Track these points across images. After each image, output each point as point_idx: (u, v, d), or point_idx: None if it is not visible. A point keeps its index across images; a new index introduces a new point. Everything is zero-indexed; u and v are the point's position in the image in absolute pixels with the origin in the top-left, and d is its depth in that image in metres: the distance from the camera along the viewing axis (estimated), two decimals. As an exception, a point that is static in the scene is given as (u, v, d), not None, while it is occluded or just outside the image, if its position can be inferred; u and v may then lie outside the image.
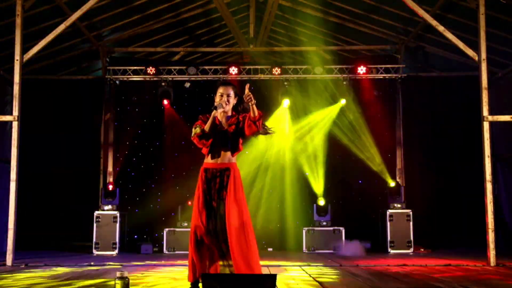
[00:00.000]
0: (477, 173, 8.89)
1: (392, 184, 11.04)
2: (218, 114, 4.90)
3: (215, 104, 4.84)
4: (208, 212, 4.77)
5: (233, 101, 4.92)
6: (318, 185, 11.62)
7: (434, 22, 8.39)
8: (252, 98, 4.58)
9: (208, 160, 4.88)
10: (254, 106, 4.61)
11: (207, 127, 4.79)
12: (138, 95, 11.83)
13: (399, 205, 10.78)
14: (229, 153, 4.85)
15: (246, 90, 4.63)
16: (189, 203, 10.94)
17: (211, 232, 4.71)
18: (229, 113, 4.94)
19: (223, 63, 12.19)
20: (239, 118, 4.89)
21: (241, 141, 4.92)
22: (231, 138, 4.83)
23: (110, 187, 10.90)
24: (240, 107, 4.98)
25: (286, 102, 11.68)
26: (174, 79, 11.59)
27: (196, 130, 4.79)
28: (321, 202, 11.15)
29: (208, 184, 4.83)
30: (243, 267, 4.62)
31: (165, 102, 11.51)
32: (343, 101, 11.65)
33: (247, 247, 4.66)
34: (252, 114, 4.66)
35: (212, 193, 4.81)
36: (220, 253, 4.72)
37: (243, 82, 11.70)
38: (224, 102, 4.86)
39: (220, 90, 4.92)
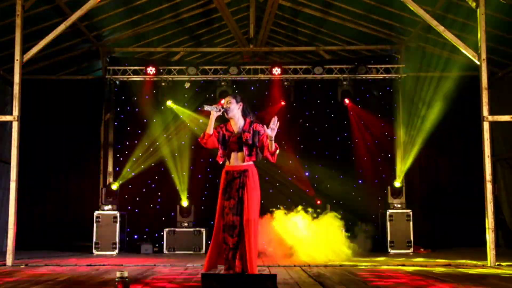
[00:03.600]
0: (477, 173, 8.89)
1: (392, 184, 11.04)
2: (231, 121, 5.51)
3: (204, 105, 5.44)
4: (228, 209, 5.34)
5: (236, 106, 5.47)
6: (319, 185, 11.65)
7: (434, 22, 8.39)
8: (273, 133, 5.22)
9: (229, 163, 5.50)
10: (272, 141, 5.27)
11: (208, 128, 5.41)
12: (138, 95, 11.82)
13: (399, 205, 10.78)
14: (245, 157, 5.41)
15: (273, 124, 5.22)
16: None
17: (230, 227, 5.28)
18: (240, 119, 5.51)
19: (223, 63, 12.19)
20: (253, 127, 5.45)
21: (255, 151, 5.44)
22: (246, 144, 5.42)
23: (111, 187, 10.90)
24: (249, 114, 5.57)
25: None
26: (174, 79, 11.59)
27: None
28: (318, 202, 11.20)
29: (229, 185, 5.40)
30: (248, 260, 5.18)
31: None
32: (345, 101, 11.64)
33: (254, 241, 5.27)
34: (270, 148, 5.33)
35: (232, 192, 5.36)
36: (233, 244, 5.25)
37: (243, 82, 11.73)
38: (218, 105, 5.48)
39: (224, 100, 5.58)
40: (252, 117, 5.61)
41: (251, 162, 5.46)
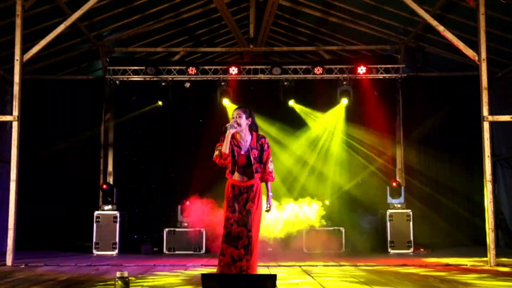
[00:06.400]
0: (477, 173, 8.89)
1: (392, 184, 11.04)
2: (237, 135, 5.44)
3: (227, 125, 5.35)
4: (233, 220, 5.35)
5: (245, 121, 5.44)
6: (319, 185, 11.64)
7: (434, 22, 8.39)
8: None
9: (234, 177, 5.46)
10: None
11: (224, 147, 5.31)
12: (138, 95, 11.82)
13: (399, 205, 10.78)
14: (254, 174, 5.41)
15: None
16: (187, 203, 10.97)
17: (234, 238, 5.28)
18: (247, 134, 5.48)
19: (223, 63, 12.18)
20: (261, 143, 5.48)
21: (262, 168, 5.49)
22: (254, 162, 5.42)
23: (109, 186, 10.90)
24: (254, 127, 5.55)
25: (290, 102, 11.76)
26: (174, 79, 11.59)
27: (216, 153, 5.37)
28: (326, 202, 11.21)
29: (236, 199, 5.42)
30: (253, 269, 5.26)
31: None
32: (344, 101, 11.62)
33: (256, 252, 5.35)
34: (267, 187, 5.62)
35: (239, 205, 5.38)
36: (237, 257, 5.23)
37: (243, 82, 11.74)
38: (235, 122, 5.37)
39: (233, 113, 5.49)
40: (257, 129, 5.58)
41: (257, 177, 5.47)
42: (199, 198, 10.68)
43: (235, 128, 5.34)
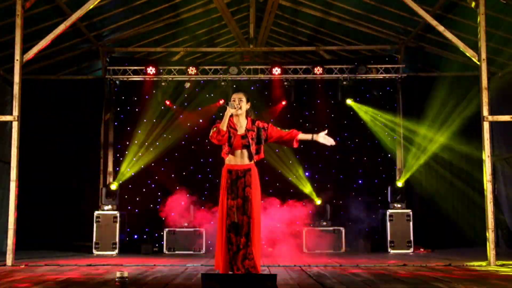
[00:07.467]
0: (477, 173, 8.89)
1: (392, 184, 11.04)
2: (234, 118, 5.51)
3: (228, 103, 5.45)
4: (235, 208, 5.38)
5: (245, 105, 5.53)
6: (319, 185, 11.63)
7: (434, 22, 8.39)
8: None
9: (230, 161, 5.49)
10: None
11: (222, 124, 5.38)
12: (138, 95, 11.83)
13: (399, 205, 10.78)
14: (254, 156, 5.46)
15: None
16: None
17: (237, 226, 5.32)
18: (244, 118, 5.58)
19: (223, 63, 12.19)
20: (257, 124, 5.54)
21: (263, 148, 5.55)
22: (252, 143, 5.45)
23: (110, 187, 10.91)
24: (251, 113, 5.66)
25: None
26: (174, 79, 11.59)
27: (213, 129, 5.42)
28: (318, 202, 11.20)
29: (234, 184, 5.44)
30: (256, 259, 5.28)
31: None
32: (347, 102, 11.62)
33: (259, 240, 5.42)
34: (303, 138, 5.67)
35: (238, 191, 5.40)
36: (241, 246, 5.28)
37: (243, 82, 11.73)
38: (237, 104, 5.46)
39: (233, 96, 5.57)
40: (253, 116, 5.70)
41: (253, 162, 5.54)
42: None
43: (235, 108, 5.42)
